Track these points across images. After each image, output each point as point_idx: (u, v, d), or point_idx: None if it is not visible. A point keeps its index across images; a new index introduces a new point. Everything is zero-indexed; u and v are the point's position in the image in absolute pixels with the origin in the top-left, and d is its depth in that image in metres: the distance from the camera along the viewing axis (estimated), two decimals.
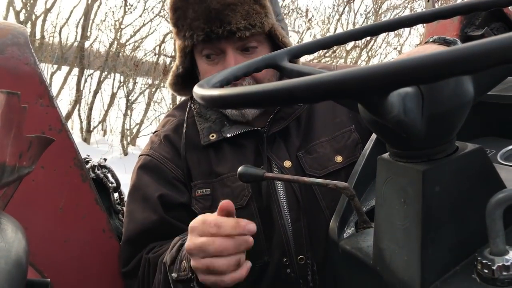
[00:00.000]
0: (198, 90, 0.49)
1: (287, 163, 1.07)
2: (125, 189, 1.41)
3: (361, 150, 1.10)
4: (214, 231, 0.75)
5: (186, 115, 1.17)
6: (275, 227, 1.05)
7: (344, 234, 0.73)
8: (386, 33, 1.03)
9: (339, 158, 1.08)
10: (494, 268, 0.49)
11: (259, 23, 1.01)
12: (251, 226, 0.77)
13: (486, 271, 0.50)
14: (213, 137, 1.10)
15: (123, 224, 1.29)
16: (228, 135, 1.09)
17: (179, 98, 5.97)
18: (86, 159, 1.34)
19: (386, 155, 0.59)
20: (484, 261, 0.50)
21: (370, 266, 0.63)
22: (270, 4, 1.06)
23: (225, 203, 0.78)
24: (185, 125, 1.15)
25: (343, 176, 1.06)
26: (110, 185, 1.33)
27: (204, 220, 0.78)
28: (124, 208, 1.36)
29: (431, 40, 0.91)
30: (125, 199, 1.40)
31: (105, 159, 1.36)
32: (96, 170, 1.28)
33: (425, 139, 0.52)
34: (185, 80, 1.15)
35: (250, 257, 1.01)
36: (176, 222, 1.06)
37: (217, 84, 0.62)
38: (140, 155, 1.18)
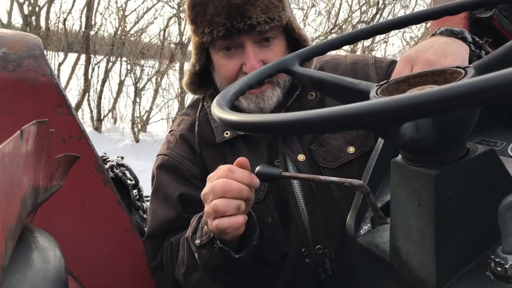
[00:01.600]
0: (217, 111, 0.51)
1: (301, 157, 1.09)
2: (139, 176, 1.44)
3: (373, 140, 1.12)
4: (226, 174, 0.85)
5: (198, 114, 1.20)
6: (292, 219, 1.08)
7: (361, 231, 0.76)
8: (394, 30, 1.02)
9: (351, 149, 1.10)
10: (507, 266, 0.51)
11: (277, 17, 1.04)
12: (256, 181, 0.85)
13: (499, 269, 0.52)
14: (227, 134, 1.13)
15: (143, 220, 1.35)
16: (242, 132, 1.11)
17: None
18: (104, 157, 1.38)
19: (399, 158, 0.61)
20: (497, 260, 0.52)
21: (387, 262, 0.66)
22: None
23: (242, 159, 0.88)
24: (196, 123, 1.18)
25: (356, 167, 1.09)
26: (129, 182, 1.37)
27: (219, 167, 0.87)
28: (144, 204, 1.41)
29: (438, 32, 0.92)
30: (144, 194, 1.44)
31: (122, 158, 1.40)
32: (114, 169, 1.31)
33: (437, 145, 0.54)
34: (201, 78, 1.17)
35: (269, 248, 1.05)
36: None
37: (233, 96, 0.64)
38: (157, 155, 1.21)
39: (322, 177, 0.80)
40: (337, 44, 0.79)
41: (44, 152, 0.56)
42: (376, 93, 0.58)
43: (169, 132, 1.27)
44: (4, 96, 0.93)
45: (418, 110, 0.33)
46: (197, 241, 0.93)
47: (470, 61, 0.88)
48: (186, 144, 1.17)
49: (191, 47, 1.16)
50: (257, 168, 0.87)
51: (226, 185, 0.83)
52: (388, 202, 0.78)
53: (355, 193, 0.82)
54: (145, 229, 1.23)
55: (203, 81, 1.18)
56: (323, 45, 0.79)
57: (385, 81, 0.61)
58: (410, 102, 0.33)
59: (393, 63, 1.20)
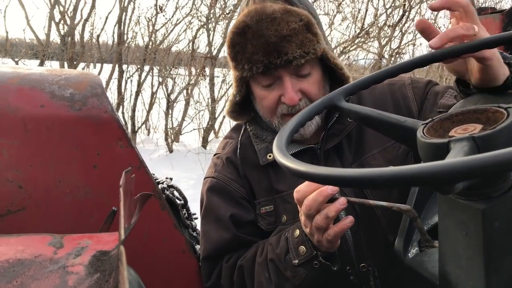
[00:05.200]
0: (282, 159, 0.57)
1: None
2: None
3: (412, 159, 1.16)
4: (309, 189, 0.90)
5: (240, 137, 1.27)
6: None
7: (409, 254, 0.80)
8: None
9: None
10: None
11: (312, 50, 1.09)
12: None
13: None
14: (270, 156, 1.19)
15: (192, 237, 1.42)
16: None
17: (217, 95, 6.12)
18: (155, 179, 1.47)
19: None
20: None
21: (436, 286, 0.71)
22: (320, 30, 1.13)
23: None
24: (238, 146, 1.25)
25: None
26: (178, 202, 1.45)
27: (297, 189, 0.93)
28: (192, 223, 1.49)
29: None
30: (192, 212, 1.53)
31: (171, 179, 1.49)
32: (165, 191, 1.40)
33: (483, 183, 0.59)
34: (241, 106, 1.24)
35: None
36: (247, 237, 1.17)
37: (289, 137, 0.70)
38: (205, 178, 1.28)
39: (371, 201, 0.85)
40: (379, 77, 0.85)
41: (129, 195, 0.64)
42: (423, 133, 0.63)
43: (214, 155, 1.33)
44: (72, 133, 1.02)
45: (474, 173, 0.39)
46: (295, 261, 0.98)
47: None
48: (232, 166, 1.24)
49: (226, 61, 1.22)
50: None
51: (310, 204, 0.88)
52: (434, 225, 0.83)
53: (395, 212, 0.87)
54: (196, 248, 1.31)
55: (243, 109, 1.25)
56: (366, 80, 0.85)
57: (430, 119, 0.66)
58: (469, 165, 0.39)
59: (429, 83, 1.23)
